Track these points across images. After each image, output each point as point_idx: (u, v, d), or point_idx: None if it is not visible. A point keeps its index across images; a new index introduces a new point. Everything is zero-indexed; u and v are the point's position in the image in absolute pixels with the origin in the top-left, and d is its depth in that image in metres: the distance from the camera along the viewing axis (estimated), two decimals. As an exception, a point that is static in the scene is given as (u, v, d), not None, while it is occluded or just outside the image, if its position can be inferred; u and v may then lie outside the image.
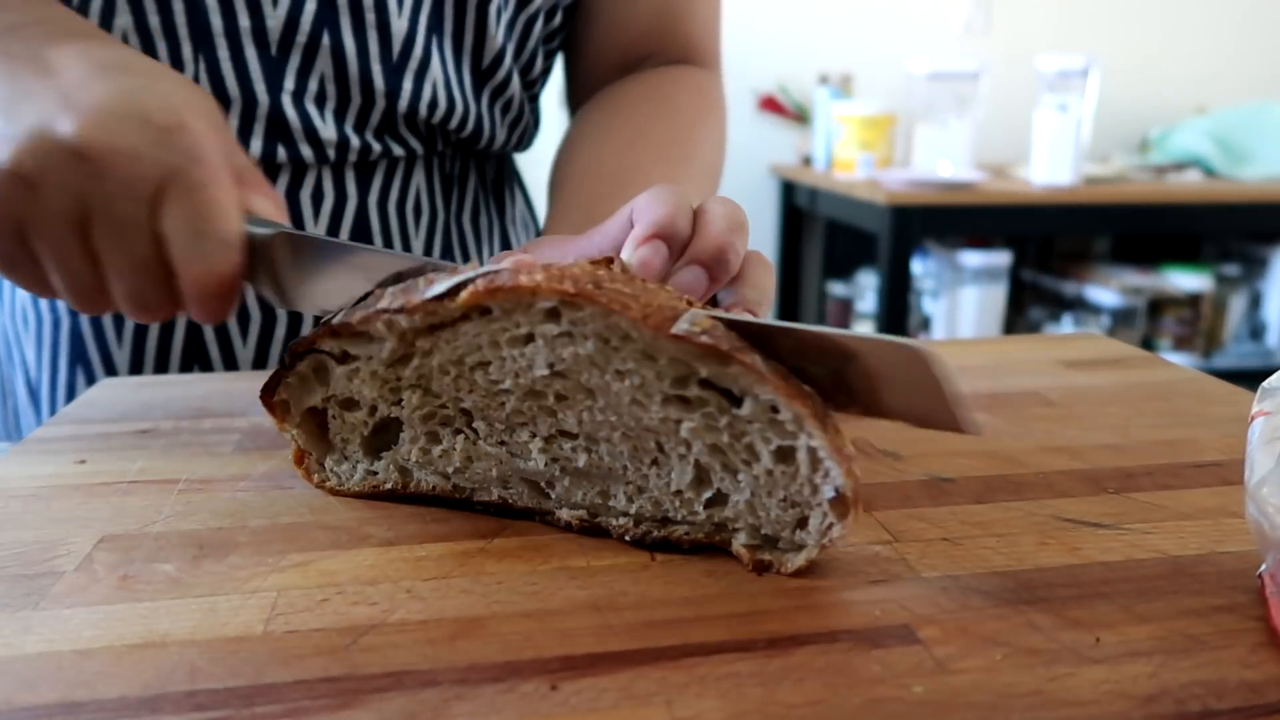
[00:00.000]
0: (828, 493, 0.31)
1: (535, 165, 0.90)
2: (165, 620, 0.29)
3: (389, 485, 0.38)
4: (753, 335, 0.31)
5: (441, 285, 0.34)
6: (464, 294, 0.33)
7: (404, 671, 0.27)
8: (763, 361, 0.31)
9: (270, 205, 0.39)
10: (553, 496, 0.36)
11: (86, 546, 0.34)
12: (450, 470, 0.37)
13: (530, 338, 0.33)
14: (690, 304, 0.33)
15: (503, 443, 0.36)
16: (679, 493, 0.34)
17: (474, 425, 0.36)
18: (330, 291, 0.39)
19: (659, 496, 0.34)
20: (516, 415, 0.35)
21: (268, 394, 0.39)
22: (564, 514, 0.36)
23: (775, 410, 0.31)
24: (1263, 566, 0.30)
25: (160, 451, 0.44)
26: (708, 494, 0.33)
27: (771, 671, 0.26)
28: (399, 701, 0.25)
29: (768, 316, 0.38)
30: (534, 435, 0.35)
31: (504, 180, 0.72)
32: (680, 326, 0.31)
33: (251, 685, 0.26)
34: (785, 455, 0.32)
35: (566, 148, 0.63)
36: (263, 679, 0.26)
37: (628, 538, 0.34)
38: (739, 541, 0.33)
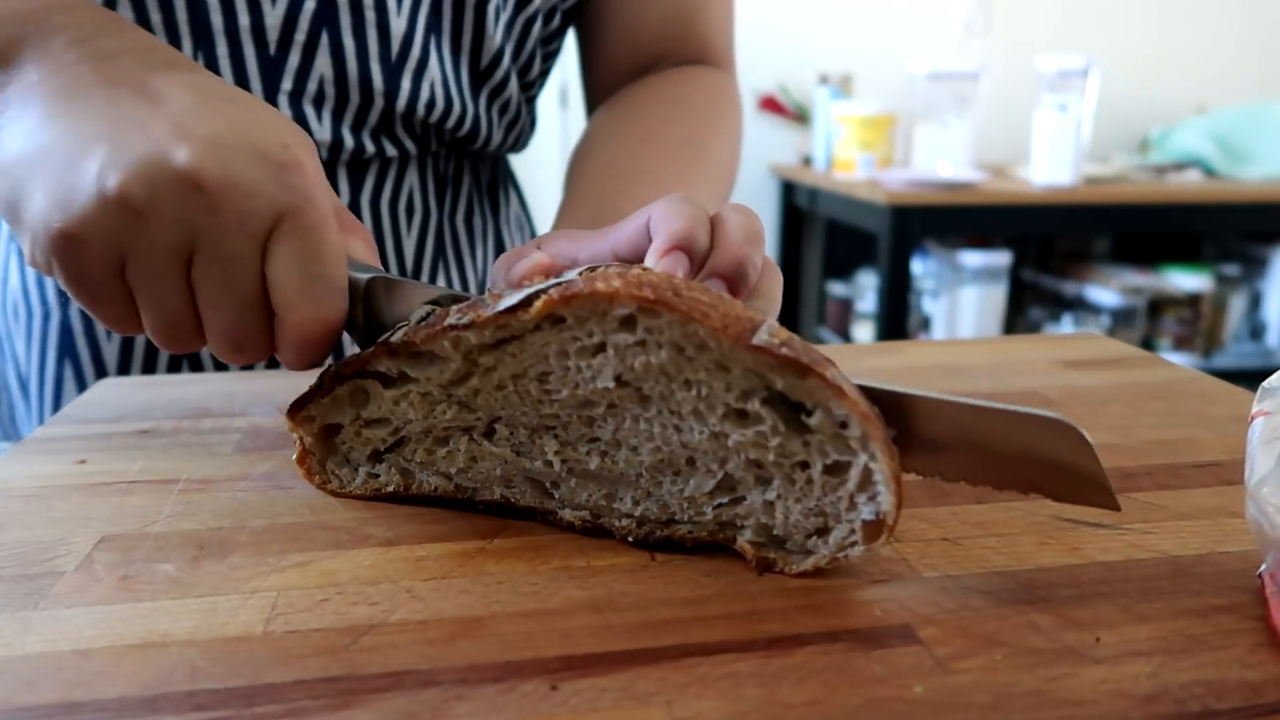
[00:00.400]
0: (866, 514, 0.31)
1: (532, 168, 0.90)
2: (165, 620, 0.29)
3: (390, 488, 0.38)
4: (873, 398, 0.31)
5: (513, 297, 0.32)
6: (538, 303, 0.32)
7: (404, 671, 0.27)
8: (842, 377, 0.30)
9: (365, 249, 0.39)
10: (556, 497, 0.36)
11: (86, 546, 0.34)
12: (454, 471, 0.37)
13: (601, 348, 0.32)
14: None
15: (517, 444, 0.36)
16: (690, 498, 0.34)
17: (493, 427, 0.36)
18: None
19: (668, 501, 0.34)
20: (548, 419, 0.35)
21: (296, 411, 0.38)
22: (566, 514, 0.35)
23: (844, 426, 0.30)
24: (1263, 566, 0.30)
25: (160, 451, 0.44)
26: (722, 499, 0.33)
27: (771, 671, 0.26)
28: (399, 701, 0.25)
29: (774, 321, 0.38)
30: (556, 438, 0.35)
31: (499, 182, 0.72)
32: (760, 337, 0.30)
33: (251, 685, 0.26)
34: (834, 469, 0.31)
35: (581, 148, 0.63)
36: (263, 679, 0.26)
37: (630, 539, 0.34)
38: (744, 538, 0.33)
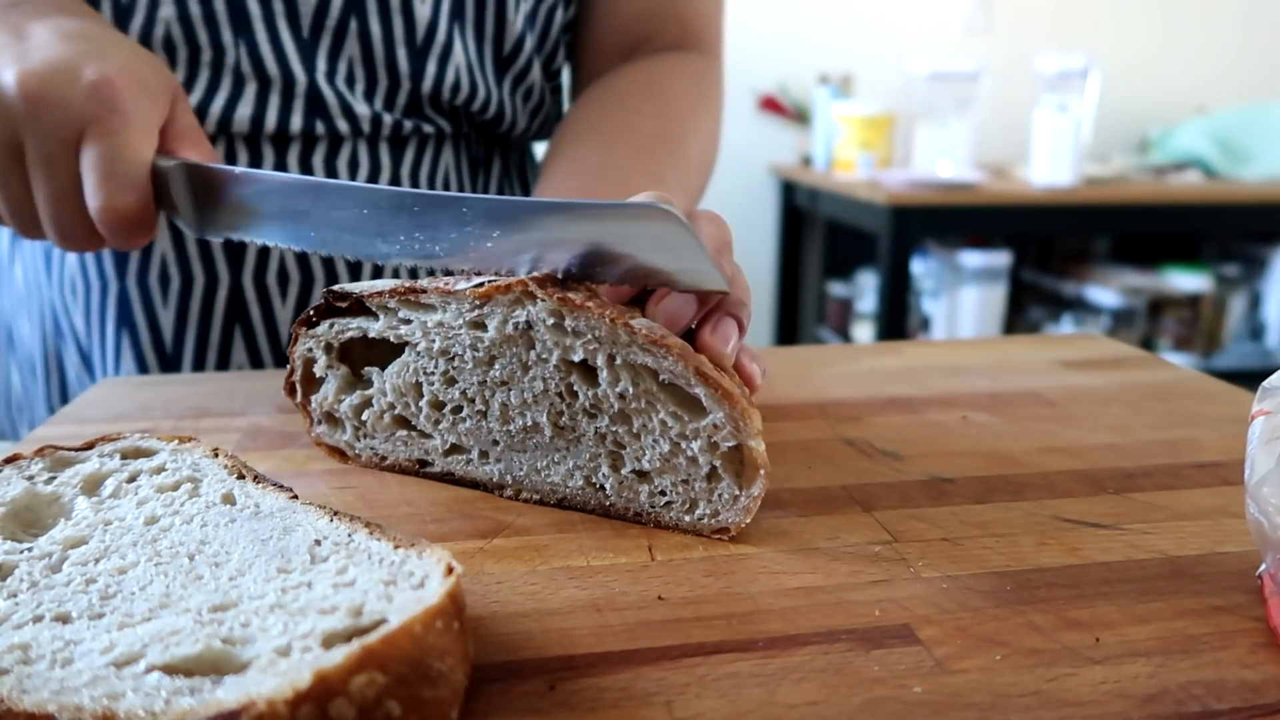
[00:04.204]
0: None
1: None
2: (165, 620, 0.29)
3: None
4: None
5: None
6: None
7: (404, 671, 0.27)
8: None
9: (200, 155, 0.46)
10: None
11: (86, 546, 0.34)
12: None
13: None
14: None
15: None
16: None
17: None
18: (232, 215, 0.43)
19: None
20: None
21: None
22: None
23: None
24: (1263, 566, 0.30)
25: (160, 451, 0.44)
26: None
27: (771, 671, 0.26)
28: (399, 701, 0.25)
29: (747, 319, 0.37)
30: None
31: (527, 167, 0.74)
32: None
33: (251, 685, 0.26)
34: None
35: (554, 142, 0.63)
36: (262, 679, 0.26)
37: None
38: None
